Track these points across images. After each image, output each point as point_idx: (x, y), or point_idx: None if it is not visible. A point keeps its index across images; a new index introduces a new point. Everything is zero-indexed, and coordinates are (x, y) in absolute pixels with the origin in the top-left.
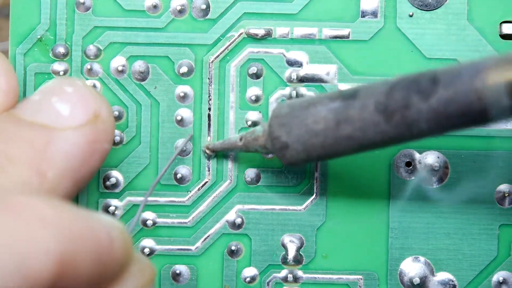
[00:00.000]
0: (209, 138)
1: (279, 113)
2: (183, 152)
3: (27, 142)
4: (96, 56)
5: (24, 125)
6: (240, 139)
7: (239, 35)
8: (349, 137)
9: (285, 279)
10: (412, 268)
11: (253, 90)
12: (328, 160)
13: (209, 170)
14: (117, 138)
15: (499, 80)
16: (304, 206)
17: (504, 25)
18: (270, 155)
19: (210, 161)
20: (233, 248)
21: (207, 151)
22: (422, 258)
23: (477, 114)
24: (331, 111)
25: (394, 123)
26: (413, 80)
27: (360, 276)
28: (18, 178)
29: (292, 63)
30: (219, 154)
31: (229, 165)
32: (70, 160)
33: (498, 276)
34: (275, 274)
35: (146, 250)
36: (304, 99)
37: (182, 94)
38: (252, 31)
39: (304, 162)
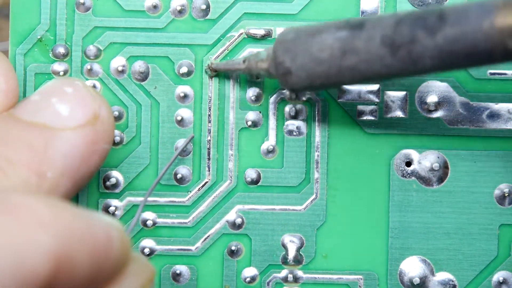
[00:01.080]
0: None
1: (284, 38)
2: (183, 152)
3: (26, 143)
4: (96, 56)
5: (23, 126)
6: (244, 61)
7: (239, 35)
8: (354, 67)
9: (285, 279)
10: (412, 268)
11: (253, 90)
12: (331, 88)
13: (209, 170)
14: (117, 138)
15: (507, 22)
16: (304, 206)
17: None
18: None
19: (210, 161)
20: (233, 248)
21: (209, 70)
22: (422, 258)
23: (482, 54)
24: (337, 40)
25: (399, 57)
26: (420, 16)
27: (360, 276)
28: (17, 179)
29: None
30: (220, 152)
31: (229, 165)
32: (69, 160)
33: (498, 276)
34: (275, 274)
35: (146, 250)
36: (310, 26)
37: (182, 94)
38: (252, 31)
39: (306, 89)
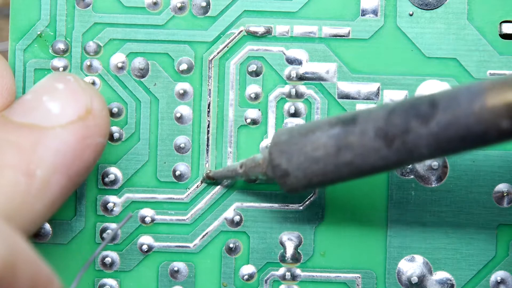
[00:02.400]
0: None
1: (278, 140)
2: (182, 150)
3: (13, 145)
4: (96, 52)
5: (12, 127)
6: (241, 167)
7: (239, 33)
8: (350, 163)
9: (283, 277)
10: (410, 267)
11: (253, 88)
12: (330, 185)
13: (208, 167)
14: (116, 135)
15: (498, 103)
16: (302, 204)
17: (504, 24)
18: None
19: (209, 158)
20: (231, 245)
21: (207, 179)
22: (420, 257)
23: (477, 137)
24: (331, 137)
25: (395, 149)
26: (411, 105)
27: (358, 275)
28: (5, 181)
29: (291, 61)
30: (219, 149)
31: (228, 162)
32: (61, 156)
33: (496, 276)
34: (273, 272)
35: (144, 247)
36: (303, 125)
37: (181, 91)
38: (252, 28)
39: (305, 189)
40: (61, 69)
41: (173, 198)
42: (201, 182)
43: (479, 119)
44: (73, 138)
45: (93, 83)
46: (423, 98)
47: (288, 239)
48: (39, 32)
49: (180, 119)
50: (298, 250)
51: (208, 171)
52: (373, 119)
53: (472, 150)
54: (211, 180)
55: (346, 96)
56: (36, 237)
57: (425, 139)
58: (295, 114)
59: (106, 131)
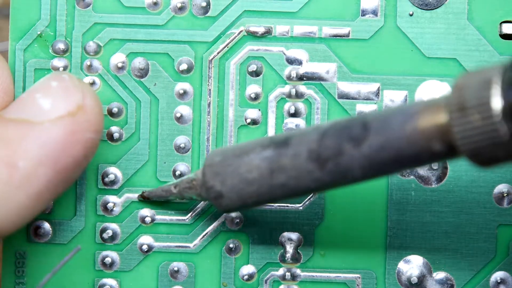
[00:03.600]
0: (145, 191)
1: (212, 161)
2: (182, 150)
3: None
4: (96, 52)
5: (2, 123)
6: (175, 187)
7: (239, 33)
8: (284, 185)
9: (283, 277)
10: (410, 267)
11: (253, 88)
12: (264, 205)
13: None
14: (116, 135)
15: (429, 126)
16: (302, 204)
17: (504, 25)
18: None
19: None
20: (231, 245)
21: (142, 198)
22: (420, 258)
23: (409, 159)
24: (264, 159)
25: (328, 171)
26: (344, 127)
27: (358, 275)
28: None
29: (291, 61)
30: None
31: None
32: (46, 150)
33: (496, 276)
34: (273, 272)
35: (144, 247)
36: (236, 146)
37: (181, 91)
38: (252, 28)
39: (240, 209)
40: (61, 69)
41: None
42: (138, 200)
43: (411, 142)
44: (61, 132)
45: (93, 83)
46: (356, 120)
47: (288, 239)
48: (39, 32)
49: (180, 119)
50: (298, 250)
51: (144, 191)
52: (306, 141)
53: (406, 170)
54: (147, 200)
55: (346, 96)
56: (36, 236)
57: (358, 162)
58: (295, 114)
59: (97, 127)
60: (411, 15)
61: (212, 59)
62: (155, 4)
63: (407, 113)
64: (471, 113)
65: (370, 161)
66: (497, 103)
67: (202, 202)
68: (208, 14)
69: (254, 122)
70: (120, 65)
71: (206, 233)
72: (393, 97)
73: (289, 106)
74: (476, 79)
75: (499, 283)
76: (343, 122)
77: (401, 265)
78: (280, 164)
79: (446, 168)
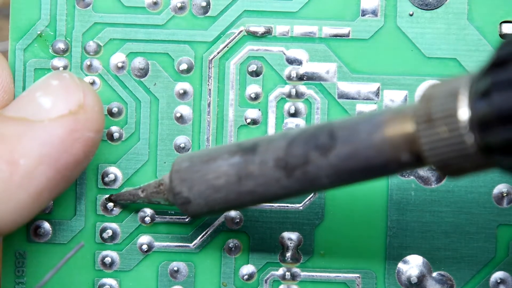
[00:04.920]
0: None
1: (179, 167)
2: (182, 150)
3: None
4: (96, 52)
5: (2, 121)
6: (142, 191)
7: (239, 33)
8: (252, 191)
9: (283, 277)
10: (410, 267)
11: (253, 88)
12: (232, 210)
13: None
14: (116, 135)
15: (397, 135)
16: (302, 204)
17: (504, 25)
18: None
19: None
20: (231, 245)
21: (109, 202)
22: (420, 257)
23: (378, 169)
24: (231, 166)
25: (295, 179)
26: (311, 135)
27: (358, 275)
28: None
29: (291, 61)
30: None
31: None
32: (47, 148)
33: (496, 276)
34: (273, 272)
35: (144, 247)
36: (204, 152)
37: (181, 91)
38: (252, 28)
39: (207, 215)
40: (61, 68)
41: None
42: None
43: (379, 152)
44: (62, 130)
45: (93, 83)
46: (323, 128)
47: (288, 239)
48: (39, 32)
49: (180, 119)
50: (298, 250)
51: (111, 194)
52: (273, 149)
53: (374, 180)
54: (113, 203)
55: (346, 96)
56: (36, 236)
57: (325, 170)
58: (295, 114)
59: (98, 126)
60: (411, 15)
61: (212, 59)
62: (155, 3)
63: (374, 122)
64: (438, 124)
65: (337, 170)
66: (463, 114)
67: None
68: (208, 14)
69: (254, 122)
70: (120, 65)
71: (206, 233)
72: (393, 97)
73: (289, 106)
74: (443, 90)
75: (499, 283)
76: (310, 130)
77: (401, 265)
78: (247, 171)
79: None
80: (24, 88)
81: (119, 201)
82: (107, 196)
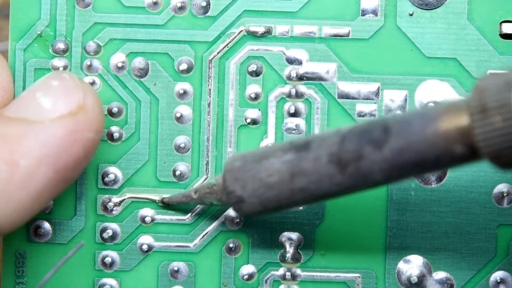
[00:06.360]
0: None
1: (232, 166)
2: (182, 149)
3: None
4: (96, 52)
5: (2, 121)
6: (195, 192)
7: (239, 33)
8: (305, 189)
9: (283, 277)
10: (410, 267)
11: (253, 88)
12: (285, 210)
13: (208, 167)
14: (116, 135)
15: (451, 128)
16: (293, 208)
17: (504, 24)
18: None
19: (209, 158)
20: (231, 245)
21: (162, 204)
22: (420, 257)
23: (430, 162)
24: (284, 163)
25: (349, 174)
26: (364, 130)
27: (358, 275)
28: None
29: (292, 61)
30: (219, 149)
31: None
32: (47, 148)
33: (496, 276)
34: (273, 272)
35: (144, 247)
36: (256, 151)
37: (181, 91)
38: (252, 28)
39: (261, 214)
40: (61, 68)
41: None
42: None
43: (432, 145)
44: (62, 131)
45: (93, 83)
46: (376, 123)
47: (288, 239)
48: (39, 32)
49: (180, 119)
50: (298, 250)
51: (163, 197)
52: (326, 145)
53: (427, 174)
54: (166, 205)
55: (346, 96)
56: (36, 236)
57: (378, 165)
58: (295, 114)
59: (98, 127)
60: (411, 15)
61: (212, 59)
62: (155, 3)
63: (428, 116)
64: (492, 114)
65: (390, 164)
66: None
67: None
68: (208, 13)
69: (254, 122)
70: (120, 65)
71: (206, 233)
72: (393, 97)
73: (289, 106)
74: (496, 81)
75: (499, 282)
76: (363, 125)
77: (401, 265)
78: (301, 168)
79: None
80: (24, 88)
81: (172, 204)
82: (160, 199)
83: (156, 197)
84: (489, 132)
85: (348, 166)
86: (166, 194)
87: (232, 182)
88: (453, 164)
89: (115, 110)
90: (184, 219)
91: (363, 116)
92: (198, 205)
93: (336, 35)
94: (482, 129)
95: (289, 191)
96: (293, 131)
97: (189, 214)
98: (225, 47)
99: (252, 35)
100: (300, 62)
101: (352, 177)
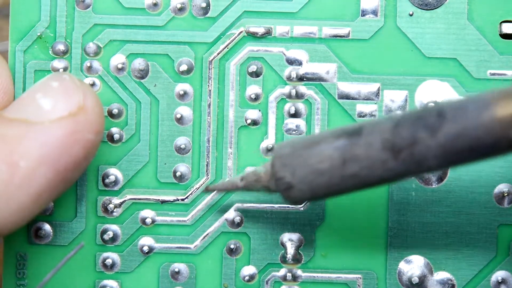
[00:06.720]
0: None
1: (281, 153)
2: (182, 150)
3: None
4: (96, 53)
5: (2, 122)
6: (241, 180)
7: (239, 34)
8: (356, 175)
9: (284, 278)
10: (411, 267)
11: (253, 89)
12: (333, 197)
13: (208, 168)
14: (117, 136)
15: (508, 114)
16: (303, 205)
17: (504, 24)
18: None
19: (210, 159)
20: (232, 246)
21: (208, 192)
22: (421, 258)
23: (486, 148)
24: (336, 149)
25: (402, 160)
26: (419, 116)
27: (359, 275)
28: None
29: (292, 62)
30: (219, 150)
31: (229, 163)
32: (47, 149)
33: (497, 275)
34: (274, 273)
35: (145, 248)
36: (306, 137)
37: (181, 92)
38: (252, 29)
39: (309, 201)
40: (61, 70)
41: (174, 199)
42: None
43: (489, 131)
44: (62, 132)
45: (93, 84)
46: (431, 109)
47: (289, 240)
48: (39, 33)
49: (180, 120)
50: (299, 251)
51: (208, 185)
52: (379, 131)
53: (482, 161)
54: (210, 191)
55: (346, 97)
56: (36, 238)
57: (433, 151)
58: (296, 115)
59: (98, 128)
60: (411, 15)
61: (212, 60)
62: (155, 5)
63: (483, 101)
64: None
65: (445, 150)
66: None
67: (202, 202)
68: (208, 14)
69: (254, 122)
70: (120, 66)
71: (207, 234)
72: (394, 97)
73: (289, 106)
74: None
75: (500, 282)
76: (417, 111)
77: (402, 265)
78: (353, 153)
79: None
80: (24, 90)
81: (218, 191)
82: (205, 187)
83: (158, 198)
84: None
85: (401, 152)
86: (166, 195)
87: (281, 168)
88: (509, 150)
89: (115, 111)
90: (184, 220)
91: (363, 116)
92: (198, 206)
93: (336, 36)
94: None
95: (339, 178)
96: (294, 132)
97: (190, 215)
98: (225, 48)
99: (252, 36)
100: (300, 63)
101: (406, 163)
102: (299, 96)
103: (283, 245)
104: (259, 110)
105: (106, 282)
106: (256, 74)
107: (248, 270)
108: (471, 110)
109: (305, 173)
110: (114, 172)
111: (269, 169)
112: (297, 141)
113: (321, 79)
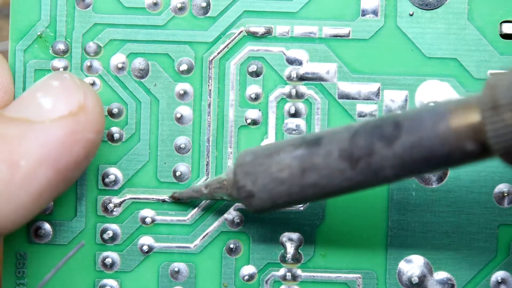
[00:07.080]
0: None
1: (243, 161)
2: (182, 150)
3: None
4: (96, 53)
5: (2, 121)
6: (206, 187)
7: (239, 33)
8: (315, 184)
9: (283, 278)
10: (411, 267)
11: (253, 88)
12: (294, 205)
13: (208, 168)
14: (117, 136)
15: (462, 125)
16: (303, 204)
17: (504, 24)
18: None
19: (210, 158)
20: (231, 246)
21: (172, 199)
22: (420, 258)
23: (441, 159)
24: (295, 158)
25: (360, 170)
26: (375, 126)
27: (359, 275)
28: None
29: (292, 62)
30: (219, 150)
31: (229, 162)
32: (48, 149)
33: (497, 275)
34: (273, 273)
35: (145, 248)
36: (267, 146)
37: (181, 92)
38: (252, 29)
39: (271, 210)
40: (61, 69)
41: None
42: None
43: (444, 141)
44: (62, 131)
45: (93, 84)
46: (387, 119)
47: (289, 239)
48: (39, 33)
49: (180, 119)
50: (299, 251)
51: (174, 192)
52: (337, 140)
53: (438, 171)
54: (177, 201)
55: (347, 96)
56: (36, 237)
57: (389, 161)
58: (296, 115)
59: (98, 128)
60: (411, 15)
61: (212, 59)
62: (155, 4)
63: (439, 112)
64: (504, 111)
65: (402, 160)
66: None
67: (203, 202)
68: (208, 14)
69: (254, 122)
70: (120, 65)
71: (207, 234)
72: (394, 97)
73: (289, 106)
74: (508, 77)
75: (499, 282)
76: (374, 121)
77: (402, 265)
78: (311, 163)
79: None
80: (24, 89)
81: (182, 199)
82: (170, 195)
83: (158, 197)
84: (500, 129)
85: (359, 161)
86: (166, 195)
87: (242, 176)
88: (464, 161)
89: (115, 110)
90: (184, 220)
91: (363, 116)
92: (199, 205)
93: (336, 36)
94: (493, 126)
95: (299, 187)
96: (294, 132)
97: (190, 214)
98: (225, 47)
99: (252, 35)
100: (300, 63)
101: (363, 172)
102: (299, 96)
103: (283, 244)
104: (259, 110)
105: (105, 281)
106: (256, 73)
107: (248, 269)
108: (426, 121)
109: (266, 181)
110: (114, 172)
111: (232, 177)
112: (259, 150)
113: (321, 79)
